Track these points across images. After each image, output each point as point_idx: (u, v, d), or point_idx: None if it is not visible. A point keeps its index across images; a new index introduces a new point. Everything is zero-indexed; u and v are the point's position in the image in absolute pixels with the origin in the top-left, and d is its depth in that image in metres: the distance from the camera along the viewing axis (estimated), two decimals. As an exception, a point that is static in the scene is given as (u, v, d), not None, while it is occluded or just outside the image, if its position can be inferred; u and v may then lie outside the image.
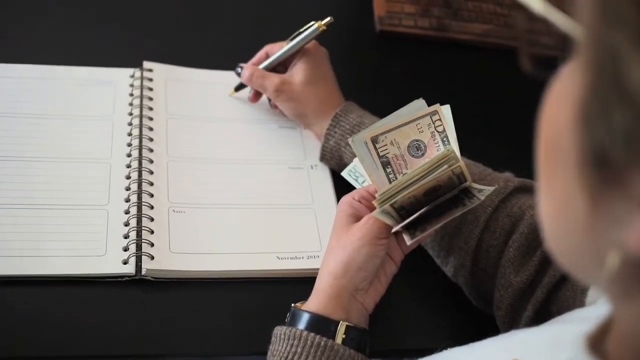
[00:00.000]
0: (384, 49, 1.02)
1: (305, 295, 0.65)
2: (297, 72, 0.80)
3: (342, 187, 0.74)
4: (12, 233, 0.69)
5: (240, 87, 0.86)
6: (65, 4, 0.94)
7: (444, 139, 0.66)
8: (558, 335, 0.43)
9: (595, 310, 0.41)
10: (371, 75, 0.99)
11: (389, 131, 0.65)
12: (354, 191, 0.68)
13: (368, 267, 0.63)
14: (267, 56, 0.83)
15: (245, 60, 0.92)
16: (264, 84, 0.81)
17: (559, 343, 0.41)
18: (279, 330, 0.62)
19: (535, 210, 0.42)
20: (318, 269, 0.71)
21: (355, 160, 0.71)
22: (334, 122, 0.78)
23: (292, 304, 0.64)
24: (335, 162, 0.79)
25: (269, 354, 0.62)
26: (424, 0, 1.05)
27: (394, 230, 0.63)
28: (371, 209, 0.66)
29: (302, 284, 0.71)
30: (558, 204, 0.33)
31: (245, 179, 0.79)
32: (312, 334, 0.59)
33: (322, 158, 0.80)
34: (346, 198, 0.67)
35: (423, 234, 0.62)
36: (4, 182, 0.72)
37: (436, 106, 0.67)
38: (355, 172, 0.72)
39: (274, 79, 0.80)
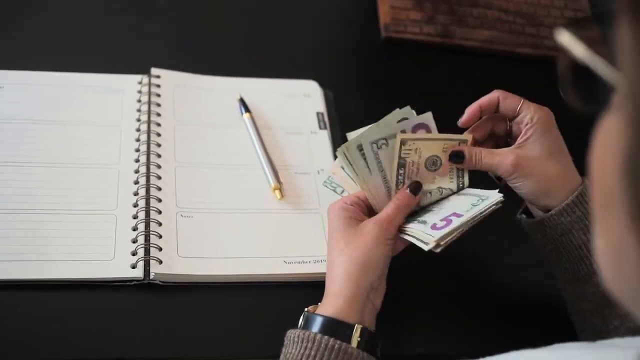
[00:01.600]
0: (389, 56, 1.03)
1: (311, 299, 0.66)
2: (535, 146, 0.68)
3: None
4: (22, 238, 0.69)
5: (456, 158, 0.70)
6: (73, 11, 0.95)
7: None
8: (605, 357, 0.42)
9: None
10: (377, 81, 0.99)
11: (420, 140, 0.68)
12: (344, 197, 0.70)
13: (382, 266, 0.65)
14: (481, 110, 0.72)
15: (252, 67, 0.93)
16: (493, 162, 0.68)
17: None
18: (292, 334, 0.62)
19: None
20: (325, 273, 0.72)
21: (330, 171, 0.75)
22: (578, 199, 0.66)
23: (305, 309, 0.64)
24: (541, 235, 0.69)
25: (281, 357, 0.62)
26: (429, 7, 1.06)
27: (428, 247, 0.64)
28: (364, 213, 0.69)
29: (309, 288, 0.72)
30: (613, 244, 0.34)
31: (251, 184, 0.79)
32: (326, 337, 0.60)
33: (531, 228, 0.70)
34: (338, 204, 0.68)
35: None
36: (14, 187, 0.73)
37: (466, 136, 0.70)
38: (331, 183, 0.75)
39: (509, 155, 0.68)
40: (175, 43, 0.95)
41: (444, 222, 0.66)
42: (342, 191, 0.73)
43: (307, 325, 0.62)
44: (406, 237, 0.67)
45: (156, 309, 0.69)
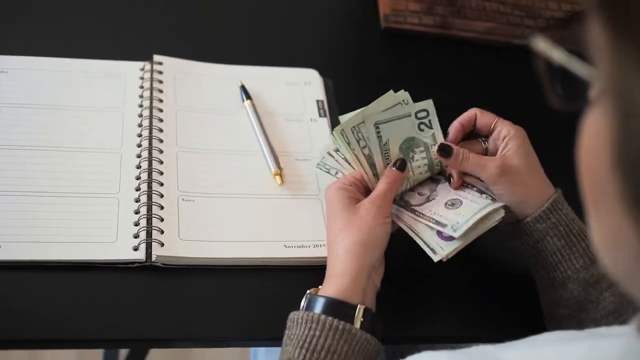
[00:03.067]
0: (388, 46, 1.04)
1: (311, 283, 0.67)
2: (516, 157, 0.70)
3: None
4: (25, 220, 0.70)
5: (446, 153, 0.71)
6: (76, -2, 0.96)
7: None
8: (596, 347, 0.43)
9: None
10: (376, 71, 1.00)
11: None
12: (342, 178, 0.71)
13: (382, 245, 0.67)
14: (463, 127, 0.73)
15: (253, 55, 0.94)
16: (480, 163, 0.70)
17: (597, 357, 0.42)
18: (296, 315, 0.63)
19: None
20: (324, 257, 0.73)
21: (324, 153, 0.75)
22: (553, 207, 0.69)
23: (307, 291, 0.65)
24: (519, 241, 0.71)
25: (285, 338, 0.62)
26: (428, -2, 1.07)
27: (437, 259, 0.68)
28: (362, 193, 0.70)
29: (308, 271, 0.73)
30: (609, 235, 0.35)
31: (252, 169, 0.80)
32: (330, 318, 0.61)
33: (509, 234, 0.72)
34: (336, 184, 0.70)
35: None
36: (17, 171, 0.74)
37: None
38: (325, 165, 0.75)
39: (495, 160, 0.70)
40: (178, 31, 0.96)
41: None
42: (337, 172, 0.74)
43: (309, 306, 0.63)
44: (415, 237, 0.69)
45: (158, 291, 0.70)
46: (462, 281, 0.77)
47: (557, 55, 0.36)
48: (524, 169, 0.69)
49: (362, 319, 0.62)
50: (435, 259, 0.68)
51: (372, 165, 0.71)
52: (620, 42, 0.31)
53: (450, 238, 0.67)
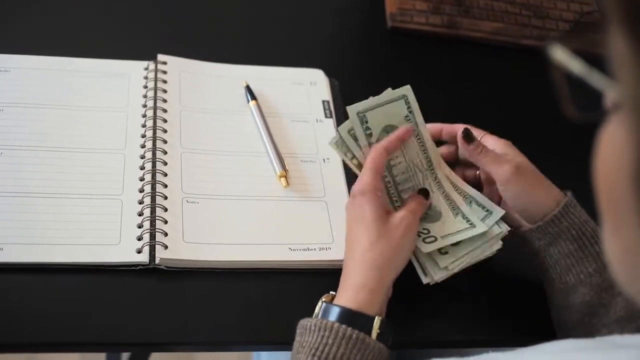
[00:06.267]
0: (395, 46, 1.03)
1: (315, 286, 0.66)
2: (525, 160, 0.70)
3: (353, 181, 0.75)
4: (28, 221, 0.70)
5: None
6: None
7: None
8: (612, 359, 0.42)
9: None
10: (382, 71, 0.99)
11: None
12: (369, 180, 0.67)
13: (406, 262, 0.66)
14: (442, 134, 0.75)
15: (258, 55, 0.93)
16: (496, 160, 0.69)
17: None
18: (308, 322, 0.61)
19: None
20: (330, 261, 0.72)
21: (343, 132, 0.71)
22: (565, 210, 0.67)
23: (322, 298, 0.64)
24: (529, 246, 0.70)
25: (297, 346, 0.61)
26: (435, -3, 1.06)
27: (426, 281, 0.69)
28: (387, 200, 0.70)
29: (314, 275, 0.72)
30: (626, 248, 0.34)
31: (257, 171, 0.80)
32: (343, 326, 0.60)
33: (519, 239, 0.71)
34: (369, 189, 0.66)
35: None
36: (20, 171, 0.73)
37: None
38: (343, 145, 0.72)
39: (510, 160, 0.69)
40: (182, 30, 0.95)
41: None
42: (352, 157, 0.71)
43: (324, 314, 0.62)
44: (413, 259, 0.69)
45: (161, 294, 0.69)
46: (470, 285, 0.75)
47: (576, 65, 0.35)
48: (535, 170, 0.69)
49: (378, 331, 0.61)
50: (424, 280, 0.69)
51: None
52: None
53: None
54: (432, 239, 0.69)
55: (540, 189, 0.69)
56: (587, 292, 0.66)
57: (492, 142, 0.71)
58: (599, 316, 0.66)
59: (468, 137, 0.70)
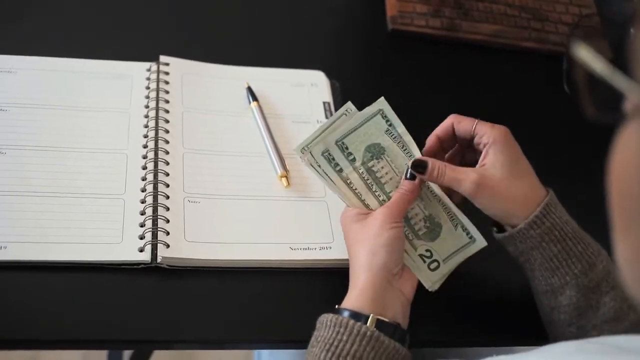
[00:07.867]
0: (395, 48, 1.03)
1: (317, 285, 0.68)
2: (496, 167, 0.66)
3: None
4: (31, 220, 0.70)
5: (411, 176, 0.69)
6: (84, -1, 0.96)
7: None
8: None
9: None
10: (382, 73, 1.00)
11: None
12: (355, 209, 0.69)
13: (395, 249, 0.65)
14: (439, 139, 0.71)
15: (259, 56, 0.94)
16: (457, 177, 0.66)
17: None
18: (326, 318, 0.62)
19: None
20: (330, 260, 0.73)
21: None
22: (545, 210, 0.65)
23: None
24: (513, 248, 0.68)
25: (312, 339, 0.62)
26: (435, 0, 1.07)
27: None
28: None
29: (315, 274, 0.73)
30: (637, 253, 0.34)
31: (258, 171, 0.80)
32: (358, 323, 0.60)
33: (502, 242, 0.69)
34: (350, 211, 0.69)
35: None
36: (24, 171, 0.74)
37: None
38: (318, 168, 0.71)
39: (471, 173, 0.66)
40: (185, 31, 0.96)
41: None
42: (327, 177, 0.71)
43: (339, 312, 0.63)
44: (412, 268, 0.69)
45: (163, 292, 0.70)
46: (471, 285, 0.76)
47: (599, 66, 0.34)
48: (505, 179, 0.65)
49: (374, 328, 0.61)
50: (430, 289, 0.71)
51: (350, 184, 0.70)
52: None
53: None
54: (436, 264, 0.70)
55: (508, 199, 0.65)
56: (573, 295, 0.65)
57: (485, 128, 0.67)
58: (587, 317, 0.65)
59: (419, 167, 0.67)
